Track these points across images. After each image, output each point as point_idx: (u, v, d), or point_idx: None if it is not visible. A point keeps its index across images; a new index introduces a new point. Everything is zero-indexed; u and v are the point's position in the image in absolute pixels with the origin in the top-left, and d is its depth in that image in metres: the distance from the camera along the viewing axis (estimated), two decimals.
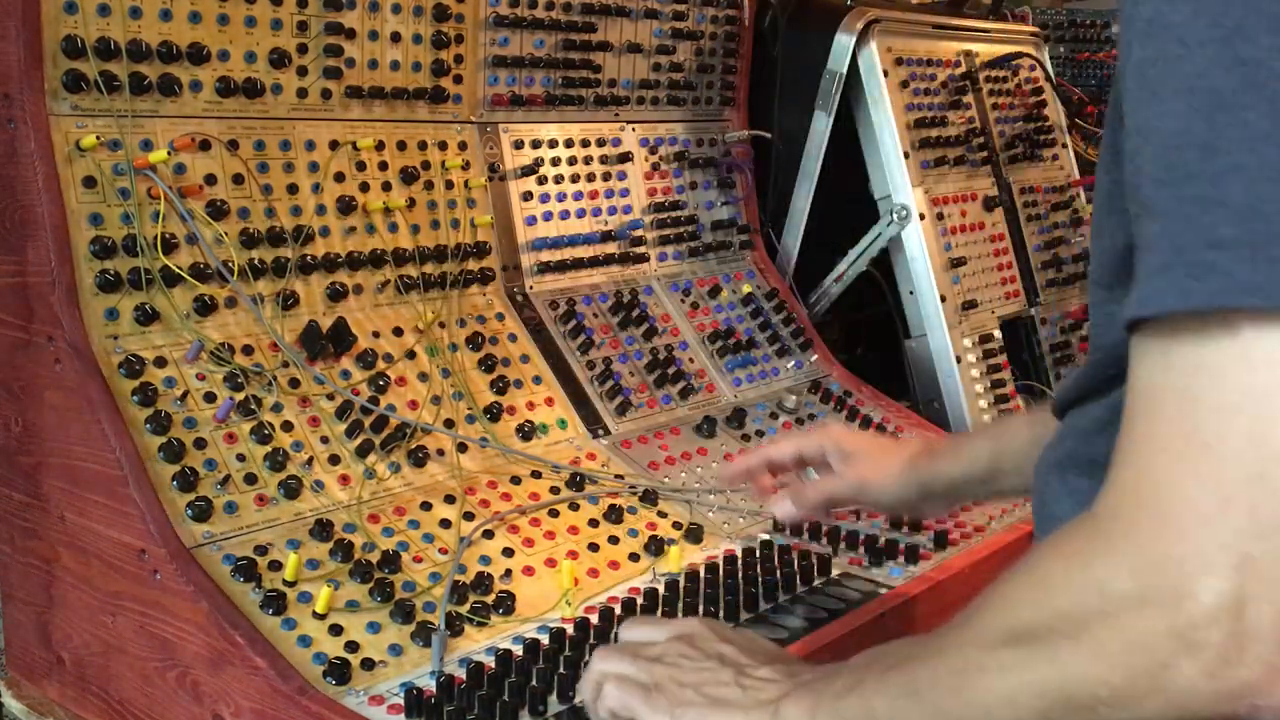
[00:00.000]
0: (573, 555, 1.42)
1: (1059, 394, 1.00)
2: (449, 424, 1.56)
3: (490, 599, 1.30)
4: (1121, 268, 0.82)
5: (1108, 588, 0.69)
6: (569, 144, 1.95)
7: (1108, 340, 0.86)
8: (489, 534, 1.42)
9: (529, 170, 1.87)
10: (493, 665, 1.17)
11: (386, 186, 1.67)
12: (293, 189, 1.56)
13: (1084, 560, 0.71)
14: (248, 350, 1.44)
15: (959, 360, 2.15)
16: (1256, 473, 0.64)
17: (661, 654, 0.99)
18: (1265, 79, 0.65)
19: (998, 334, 2.27)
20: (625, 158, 2.02)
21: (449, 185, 1.75)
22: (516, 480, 1.54)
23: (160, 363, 1.36)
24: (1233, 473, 0.65)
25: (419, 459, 1.49)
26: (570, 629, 1.26)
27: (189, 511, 1.27)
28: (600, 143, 2.00)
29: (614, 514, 1.52)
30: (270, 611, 1.20)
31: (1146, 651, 0.67)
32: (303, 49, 1.57)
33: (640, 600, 1.32)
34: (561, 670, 1.15)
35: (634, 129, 2.07)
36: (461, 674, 1.16)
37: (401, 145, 1.70)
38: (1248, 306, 0.64)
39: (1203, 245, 0.66)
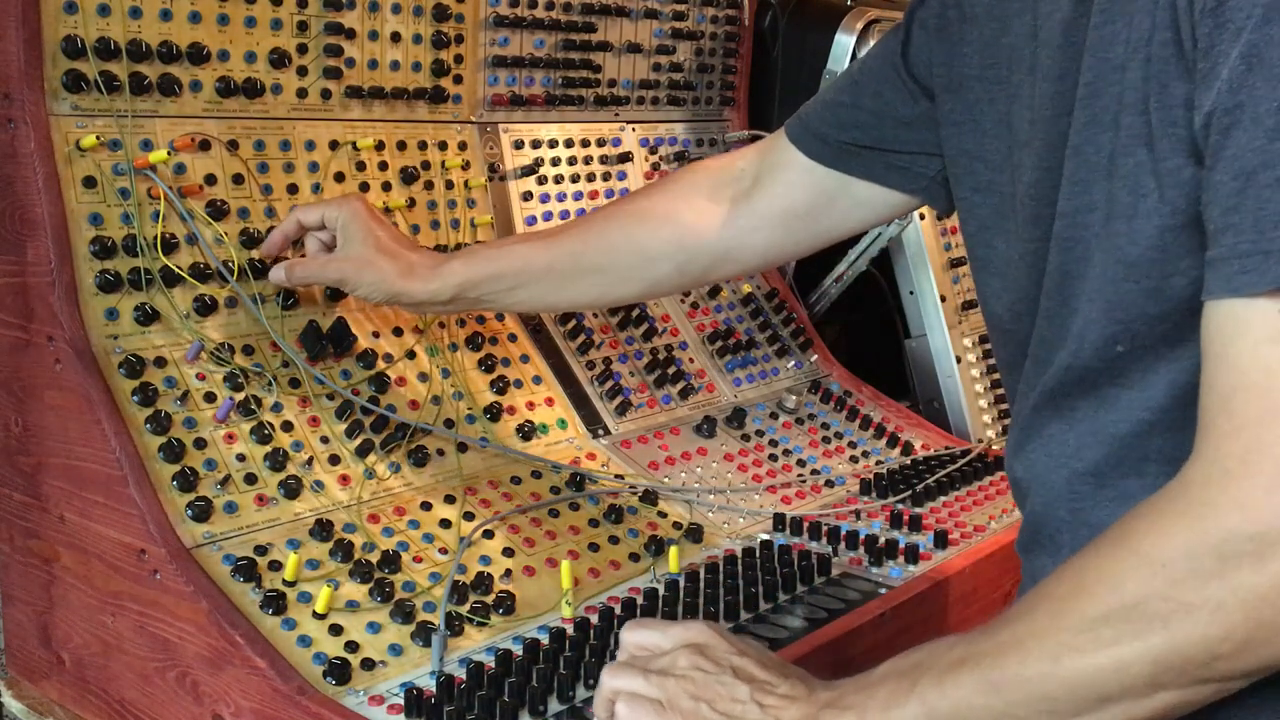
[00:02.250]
0: (573, 555, 1.42)
1: (1034, 394, 1.00)
2: (449, 424, 1.56)
3: (490, 599, 1.30)
4: (1163, 243, 0.85)
5: (1224, 552, 0.74)
6: (569, 144, 1.95)
7: (1129, 315, 0.89)
8: (489, 534, 1.42)
9: (529, 170, 1.87)
10: (493, 665, 1.17)
11: (386, 186, 1.67)
12: (293, 189, 1.56)
13: (1193, 531, 0.76)
14: (248, 350, 1.44)
15: (959, 360, 2.15)
16: None
17: (670, 665, 0.96)
18: None
19: None
20: (625, 158, 2.02)
21: (449, 185, 1.75)
22: (516, 480, 1.54)
23: (160, 363, 1.36)
24: None
25: (419, 459, 1.49)
26: (570, 629, 1.26)
27: (189, 511, 1.27)
28: (600, 143, 2.00)
29: (614, 514, 1.52)
30: (270, 611, 1.20)
31: (1269, 602, 0.73)
32: (303, 49, 1.57)
33: (640, 600, 1.32)
34: (561, 670, 1.15)
35: (634, 129, 2.07)
36: (461, 674, 1.16)
37: (401, 145, 1.70)
38: None
39: None
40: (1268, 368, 0.75)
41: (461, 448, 1.55)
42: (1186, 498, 0.77)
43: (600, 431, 1.73)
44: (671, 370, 1.88)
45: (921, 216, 2.16)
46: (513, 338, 1.74)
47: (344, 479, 1.41)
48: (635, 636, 1.02)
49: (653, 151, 2.09)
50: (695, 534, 1.52)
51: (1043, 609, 0.82)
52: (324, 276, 1.45)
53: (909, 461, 1.87)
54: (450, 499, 1.46)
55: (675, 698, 0.93)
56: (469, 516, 1.44)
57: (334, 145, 1.61)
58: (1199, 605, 0.75)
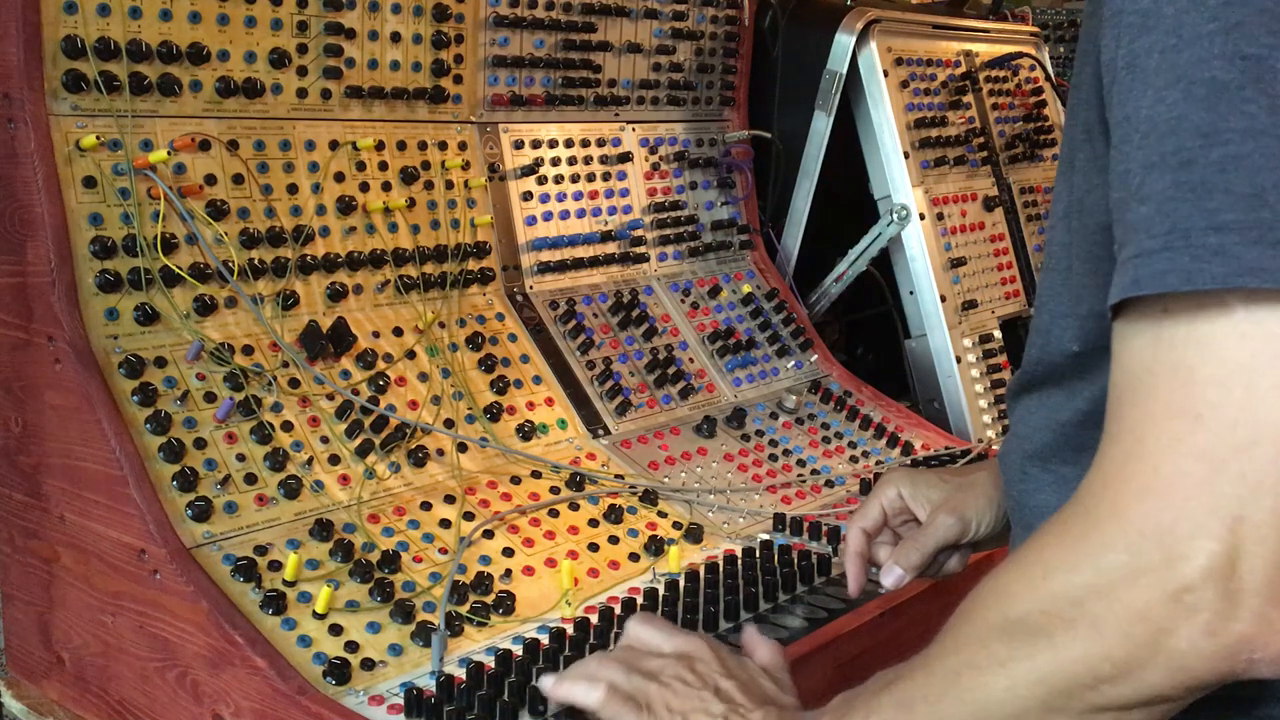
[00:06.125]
0: (573, 555, 1.42)
1: (1012, 382, 1.00)
2: (449, 424, 1.56)
3: (490, 599, 1.30)
4: (1106, 239, 0.82)
5: (1101, 563, 0.71)
6: (569, 144, 1.95)
7: (1084, 310, 0.87)
8: (489, 534, 1.42)
9: (529, 170, 1.87)
10: (493, 665, 1.17)
11: (386, 186, 1.67)
12: (293, 189, 1.56)
13: (1074, 540, 0.73)
14: (248, 350, 1.44)
15: (959, 360, 2.15)
16: (1249, 439, 0.66)
17: (659, 670, 0.99)
18: (1265, 75, 0.68)
19: (998, 334, 2.27)
20: (625, 158, 2.02)
21: (449, 185, 1.75)
22: (516, 480, 1.54)
23: (160, 363, 1.36)
24: (1225, 441, 0.67)
25: (419, 459, 1.49)
26: (570, 629, 1.26)
27: (189, 511, 1.27)
28: (600, 143, 2.00)
29: (614, 514, 1.52)
30: (270, 611, 1.20)
31: (1145, 620, 0.69)
32: (303, 49, 1.57)
33: (640, 600, 1.32)
34: (561, 670, 1.15)
35: (634, 129, 2.07)
36: (461, 674, 1.16)
37: (401, 145, 1.70)
38: (1250, 287, 0.66)
39: (1206, 229, 0.68)
40: (1149, 371, 0.71)
41: (461, 448, 1.55)
42: (1074, 506, 0.74)
43: (600, 431, 1.73)
44: (671, 370, 1.88)
45: (922, 216, 2.16)
46: (513, 338, 1.74)
47: (344, 479, 1.41)
48: (639, 631, 1.06)
49: (653, 151, 2.09)
50: (695, 534, 1.52)
51: (950, 627, 0.81)
52: (939, 537, 1.23)
53: (909, 461, 1.87)
54: (450, 499, 1.46)
55: (654, 702, 0.97)
56: (469, 516, 1.44)
57: (334, 145, 1.61)
58: (1078, 620, 0.72)
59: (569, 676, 1.03)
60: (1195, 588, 0.67)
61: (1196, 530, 0.67)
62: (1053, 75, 2.62)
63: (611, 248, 1.97)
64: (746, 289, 2.11)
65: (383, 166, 1.67)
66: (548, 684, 1.06)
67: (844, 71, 2.14)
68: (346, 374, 1.51)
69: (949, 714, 0.79)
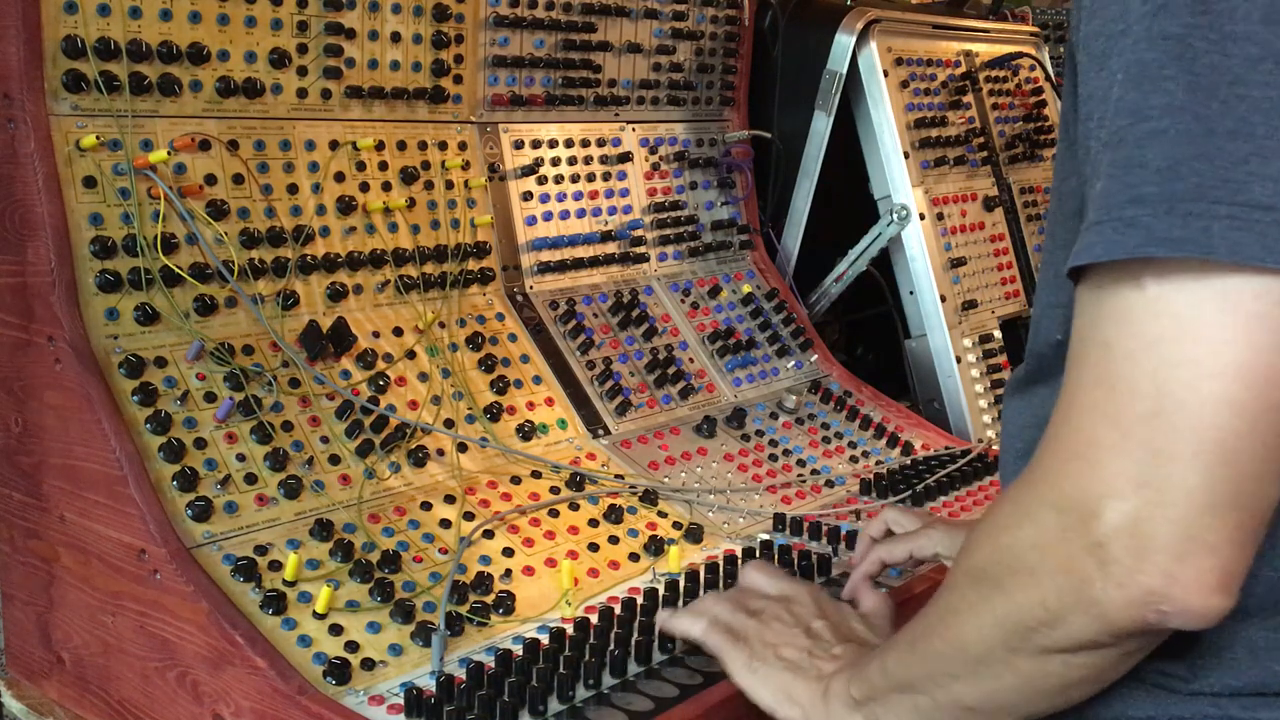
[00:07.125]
0: (573, 555, 1.42)
1: (1009, 382, 1.06)
2: (449, 424, 1.56)
3: (490, 599, 1.30)
4: (1074, 230, 0.88)
5: (1036, 519, 0.79)
6: (569, 144, 1.95)
7: (1065, 298, 0.91)
8: (489, 534, 1.42)
9: (529, 170, 1.87)
10: (493, 665, 1.17)
11: (386, 186, 1.67)
12: (293, 189, 1.56)
13: (1016, 499, 0.82)
14: (248, 350, 1.44)
15: (959, 360, 2.15)
16: (1153, 411, 0.72)
17: (761, 609, 1.14)
18: (1185, 54, 0.72)
19: (998, 334, 2.27)
20: (625, 158, 2.02)
21: (449, 185, 1.75)
22: (516, 480, 1.54)
23: (160, 363, 1.36)
24: (1133, 411, 0.73)
25: (419, 459, 1.49)
26: (570, 629, 1.26)
27: (189, 511, 1.27)
28: (600, 143, 2.00)
29: (614, 514, 1.52)
30: (270, 611, 1.20)
31: (1070, 571, 0.77)
32: (303, 49, 1.57)
33: (640, 600, 1.32)
34: (561, 670, 1.15)
35: (634, 129, 2.07)
36: (461, 674, 1.16)
37: (401, 145, 1.70)
38: (1162, 257, 0.71)
39: (1126, 202, 0.73)
40: (1084, 343, 0.77)
41: (461, 448, 1.55)
42: (1026, 469, 0.82)
43: (600, 431, 1.73)
44: (671, 370, 1.88)
45: (922, 216, 2.16)
46: (513, 338, 1.74)
47: (344, 479, 1.41)
48: (751, 576, 1.22)
49: (653, 151, 2.09)
50: (695, 534, 1.52)
51: (945, 577, 0.91)
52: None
53: (909, 461, 1.87)
54: (450, 499, 1.46)
55: (750, 636, 1.10)
56: (469, 516, 1.44)
57: (334, 145, 1.61)
58: (1019, 570, 0.80)
59: (681, 611, 1.19)
60: (1107, 543, 0.74)
61: (1108, 492, 0.74)
62: (1053, 75, 2.62)
63: (611, 248, 1.97)
64: (746, 289, 2.11)
65: (383, 166, 1.67)
66: (663, 616, 1.21)
67: (844, 71, 2.14)
68: (346, 374, 1.51)
69: (938, 650, 0.89)
